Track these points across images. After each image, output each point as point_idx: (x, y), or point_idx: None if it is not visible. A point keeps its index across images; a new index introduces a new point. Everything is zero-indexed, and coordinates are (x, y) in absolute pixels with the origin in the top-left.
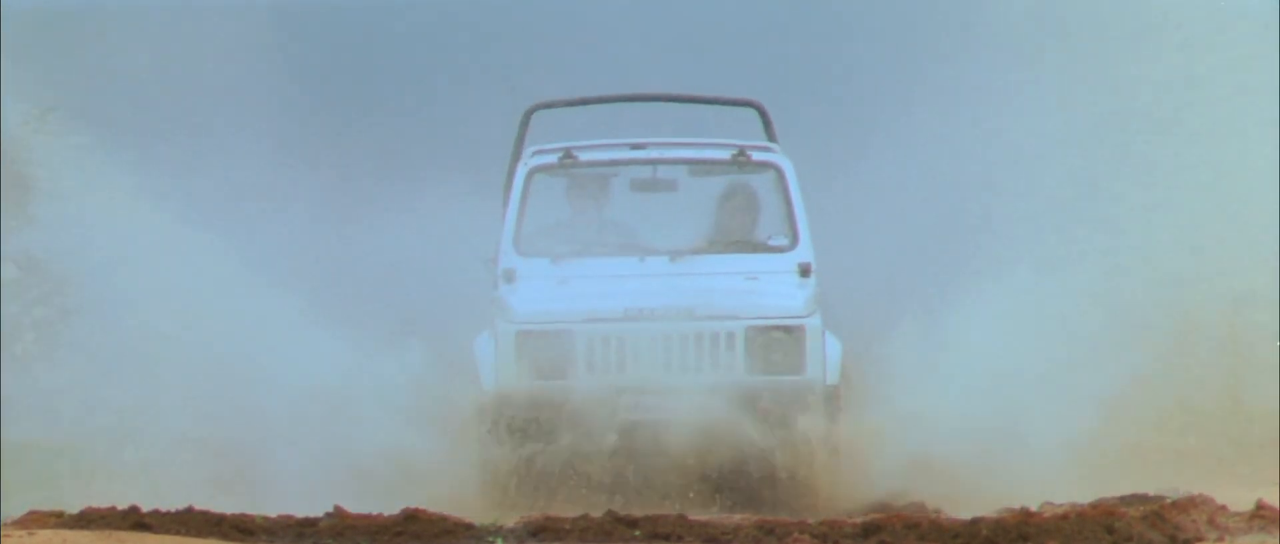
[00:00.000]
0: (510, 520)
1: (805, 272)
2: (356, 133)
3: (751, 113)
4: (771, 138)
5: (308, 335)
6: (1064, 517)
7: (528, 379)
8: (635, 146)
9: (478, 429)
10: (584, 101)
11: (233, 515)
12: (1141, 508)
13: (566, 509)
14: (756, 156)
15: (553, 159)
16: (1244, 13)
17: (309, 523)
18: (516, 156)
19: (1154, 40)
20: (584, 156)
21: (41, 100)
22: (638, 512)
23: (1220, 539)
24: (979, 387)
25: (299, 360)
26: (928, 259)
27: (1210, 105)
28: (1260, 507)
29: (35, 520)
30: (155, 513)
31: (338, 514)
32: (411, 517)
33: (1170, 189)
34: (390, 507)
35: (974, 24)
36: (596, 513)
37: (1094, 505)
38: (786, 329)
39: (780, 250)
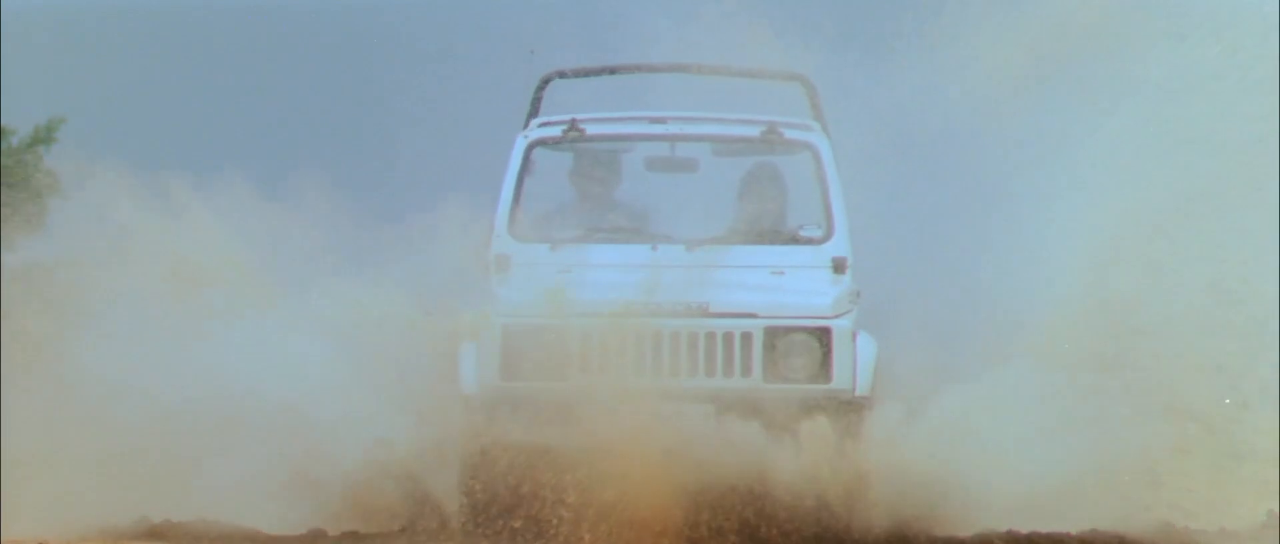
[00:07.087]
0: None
1: (840, 267)
2: (365, 129)
3: (796, 90)
4: (818, 119)
5: (309, 343)
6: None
7: (513, 380)
8: (653, 120)
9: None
10: (606, 71)
11: (244, 529)
12: (1153, 524)
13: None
14: (789, 135)
15: (556, 131)
16: (1244, 12)
17: (320, 535)
18: None
19: (1155, 40)
20: (592, 130)
21: (48, 109)
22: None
23: None
24: (989, 406)
25: (300, 366)
26: (934, 265)
27: (1212, 108)
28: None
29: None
30: (167, 523)
31: (350, 532)
32: (420, 530)
33: (1173, 198)
34: (386, 523)
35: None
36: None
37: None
38: (811, 331)
39: (813, 242)
